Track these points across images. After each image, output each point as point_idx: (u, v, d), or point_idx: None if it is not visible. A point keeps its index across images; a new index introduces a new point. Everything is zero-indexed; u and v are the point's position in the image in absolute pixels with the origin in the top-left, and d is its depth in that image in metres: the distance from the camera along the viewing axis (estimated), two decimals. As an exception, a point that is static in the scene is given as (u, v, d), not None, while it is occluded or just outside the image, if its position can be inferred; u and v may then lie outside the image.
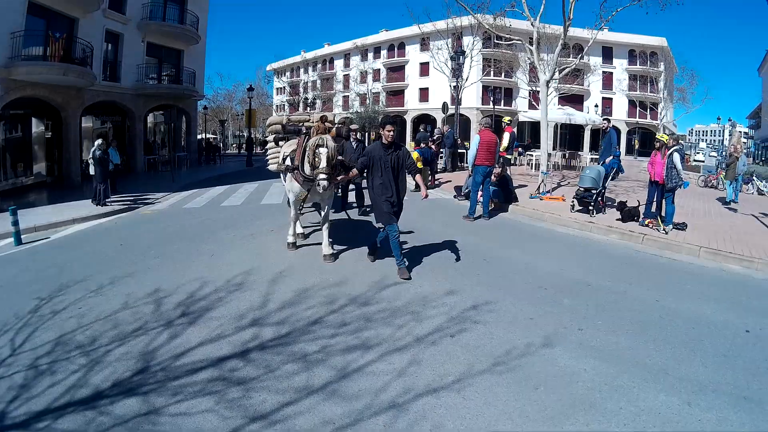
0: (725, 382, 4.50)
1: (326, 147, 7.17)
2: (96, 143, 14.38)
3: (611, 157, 12.78)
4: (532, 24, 14.87)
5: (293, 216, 8.63)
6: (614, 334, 5.41)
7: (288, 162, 8.23)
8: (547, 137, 15.04)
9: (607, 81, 55.06)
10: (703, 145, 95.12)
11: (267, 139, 12.94)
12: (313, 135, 7.71)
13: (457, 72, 22.20)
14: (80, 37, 20.79)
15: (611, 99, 55.45)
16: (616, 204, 12.14)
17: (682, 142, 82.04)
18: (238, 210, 12.74)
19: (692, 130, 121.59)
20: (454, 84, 24.25)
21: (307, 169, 7.63)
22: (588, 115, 28.08)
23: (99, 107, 24.59)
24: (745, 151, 22.79)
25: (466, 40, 34.05)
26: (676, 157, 10.29)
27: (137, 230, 10.56)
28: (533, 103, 37.83)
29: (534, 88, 36.35)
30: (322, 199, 8.12)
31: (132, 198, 14.80)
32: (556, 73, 16.83)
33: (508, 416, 3.78)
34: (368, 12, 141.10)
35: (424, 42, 45.53)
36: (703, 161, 43.23)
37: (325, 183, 7.06)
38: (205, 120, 52.38)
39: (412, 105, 59.76)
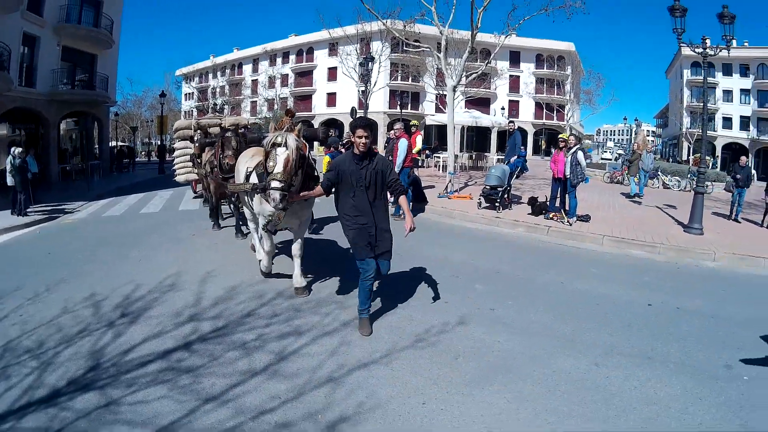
0: (630, 346, 5.17)
1: (286, 147, 5.36)
2: (16, 151, 13.76)
3: (516, 156, 13.68)
4: (440, 32, 15.67)
5: (268, 249, 6.56)
6: (525, 312, 6.02)
7: (253, 179, 6.37)
8: (453, 139, 15.94)
9: (514, 84, 57.15)
10: (610, 144, 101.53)
11: (174, 146, 12.67)
12: (272, 131, 6.02)
13: (365, 77, 22.81)
14: None
15: (518, 102, 57.65)
16: (527, 200, 12.94)
17: (588, 141, 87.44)
18: (157, 217, 12.57)
19: (600, 130, 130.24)
20: (363, 89, 24.86)
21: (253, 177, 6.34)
22: (494, 118, 29.66)
23: (13, 114, 23.20)
24: (653, 149, 24.93)
25: (375, 46, 34.89)
26: (580, 154, 11.25)
27: (63, 239, 10.25)
28: (440, 106, 39.22)
29: (441, 92, 37.76)
30: (292, 224, 6.41)
31: (50, 207, 14.11)
32: (463, 78, 17.81)
33: (433, 382, 4.25)
34: (279, 17, 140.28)
35: (332, 47, 46.14)
36: (610, 159, 45.99)
37: (277, 195, 5.18)
38: (116, 127, 50.16)
39: (319, 110, 59.60)
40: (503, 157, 18.08)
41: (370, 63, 22.35)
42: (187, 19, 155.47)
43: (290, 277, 6.54)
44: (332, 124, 55.39)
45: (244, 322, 5.50)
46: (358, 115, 26.42)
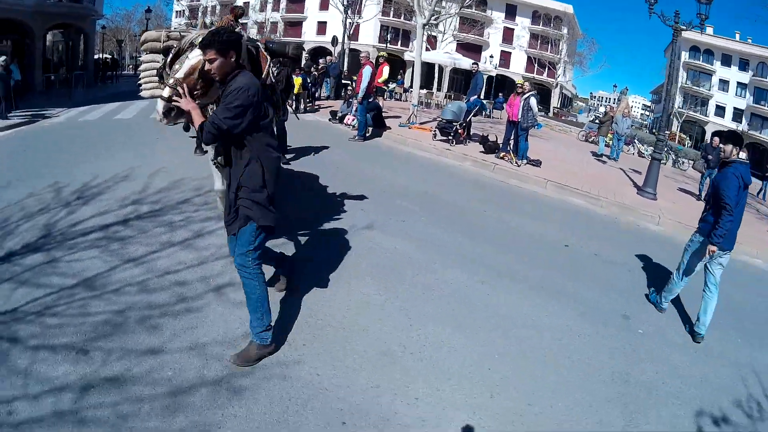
0: (530, 275, 5.53)
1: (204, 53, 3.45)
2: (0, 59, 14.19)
3: (475, 96, 14.01)
4: None
5: (218, 187, 5.42)
6: (433, 228, 6.57)
7: None
8: (419, 75, 16.41)
9: (508, 35, 56.03)
10: (602, 109, 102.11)
11: (142, 59, 12.01)
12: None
13: (348, 8, 22.98)
14: None
15: (510, 53, 56.64)
16: (480, 138, 13.45)
17: (581, 103, 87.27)
18: (129, 122, 13.06)
19: (594, 94, 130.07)
20: (349, 20, 24.87)
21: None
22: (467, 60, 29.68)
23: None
24: (631, 115, 25.40)
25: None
26: (533, 100, 11.57)
27: (38, 139, 10.76)
28: (429, 46, 39.11)
29: (430, 33, 37.54)
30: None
31: (31, 113, 14.27)
32: (433, 19, 18.05)
33: (321, 269, 4.96)
34: None
35: None
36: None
37: (160, 107, 3.77)
38: (103, 40, 49.02)
39: (309, 37, 57.79)
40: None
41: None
42: None
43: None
44: (321, 52, 54.45)
45: (178, 207, 6.28)
46: (338, 44, 26.40)
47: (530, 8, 55.82)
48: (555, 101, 57.11)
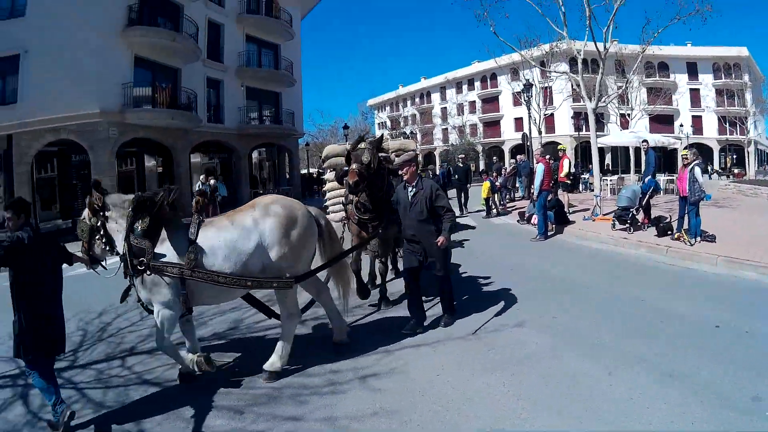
0: (662, 361, 5.24)
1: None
2: (202, 178, 17.48)
3: (649, 177, 13.62)
4: (576, 52, 16.22)
5: None
6: (581, 320, 6.65)
7: None
8: (596, 162, 16.24)
9: (695, 98, 52.19)
10: None
11: (325, 177, 11.81)
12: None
13: (529, 102, 23.83)
14: (184, 85, 24.72)
15: (700, 117, 52.60)
16: (652, 220, 12.85)
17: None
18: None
19: None
20: (536, 115, 25.54)
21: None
22: (658, 137, 28.10)
23: (206, 145, 28.11)
24: None
25: (563, 68, 34.69)
26: (698, 170, 10.97)
27: None
28: (624, 127, 37.98)
29: (625, 113, 36.70)
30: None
31: None
32: (611, 97, 17.94)
33: (457, 363, 5.57)
34: (462, 44, 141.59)
35: (514, 73, 45.51)
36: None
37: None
38: (308, 155, 55.27)
39: (508, 135, 59.86)
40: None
41: (530, 89, 23.34)
42: (374, 52, 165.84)
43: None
44: (521, 149, 55.19)
45: (352, 311, 7.30)
46: (530, 141, 27.04)
47: (708, 61, 51.87)
48: (752, 161, 50.47)
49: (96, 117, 21.22)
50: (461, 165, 16.15)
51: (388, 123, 75.90)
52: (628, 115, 37.79)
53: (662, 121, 48.10)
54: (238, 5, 30.06)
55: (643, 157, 15.96)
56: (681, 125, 49.29)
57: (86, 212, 5.20)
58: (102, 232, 5.12)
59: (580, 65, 16.27)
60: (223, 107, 29.06)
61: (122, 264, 5.04)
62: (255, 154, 33.49)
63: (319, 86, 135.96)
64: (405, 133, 63.27)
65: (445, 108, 69.42)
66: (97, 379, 5.73)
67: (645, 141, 15.69)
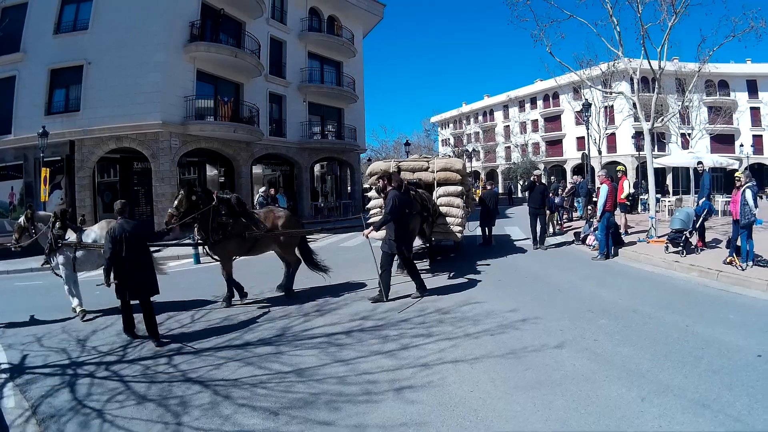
0: (696, 391, 5.06)
1: None
2: (260, 190, 18.03)
3: (704, 198, 13.30)
4: (631, 73, 16.03)
5: None
6: (622, 346, 6.48)
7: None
8: (652, 183, 15.69)
9: (756, 116, 50.19)
10: None
11: (368, 195, 13.56)
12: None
13: (588, 123, 23.59)
14: (246, 100, 25.68)
15: (761, 136, 50.59)
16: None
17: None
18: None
19: None
20: (596, 134, 25.21)
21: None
22: (716, 157, 27.11)
23: (268, 157, 28.97)
24: None
25: (624, 87, 34.12)
26: (749, 193, 10.63)
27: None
28: (685, 147, 36.96)
29: (685, 132, 35.78)
30: None
31: None
32: (668, 116, 17.57)
33: (491, 380, 5.60)
34: (524, 62, 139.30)
35: (577, 91, 44.93)
36: None
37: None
38: None
39: (570, 154, 59.58)
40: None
41: (588, 108, 23.24)
42: (437, 70, 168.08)
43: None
44: (583, 168, 54.32)
45: (397, 325, 7.70)
46: (589, 161, 26.78)
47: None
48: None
49: (158, 127, 22.36)
50: (536, 183, 15.32)
51: (452, 140, 76.26)
52: (689, 134, 36.78)
53: (723, 141, 46.60)
54: (300, 23, 31.18)
55: (700, 179, 15.49)
56: (741, 145, 47.61)
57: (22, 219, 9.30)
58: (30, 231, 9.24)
59: (635, 85, 16.04)
60: (286, 121, 30.09)
61: (48, 246, 8.92)
62: (317, 168, 34.17)
63: (383, 102, 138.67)
64: (467, 150, 63.52)
65: (508, 126, 69.19)
66: (143, 374, 6.19)
67: (700, 162, 15.27)
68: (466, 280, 10.96)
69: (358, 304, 9.05)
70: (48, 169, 20.31)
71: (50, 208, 20.55)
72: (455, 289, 10.17)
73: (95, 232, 9.18)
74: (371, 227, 9.20)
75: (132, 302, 7.38)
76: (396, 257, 9.44)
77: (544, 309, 8.39)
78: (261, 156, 28.47)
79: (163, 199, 21.94)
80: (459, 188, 12.70)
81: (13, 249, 9.33)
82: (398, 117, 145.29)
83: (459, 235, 12.63)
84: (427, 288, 9.65)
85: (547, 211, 16.44)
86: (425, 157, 14.08)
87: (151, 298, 7.36)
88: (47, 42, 22.96)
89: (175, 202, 8.69)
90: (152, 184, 22.95)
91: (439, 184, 12.85)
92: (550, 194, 18.09)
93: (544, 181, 31.46)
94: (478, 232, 16.53)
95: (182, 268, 14.48)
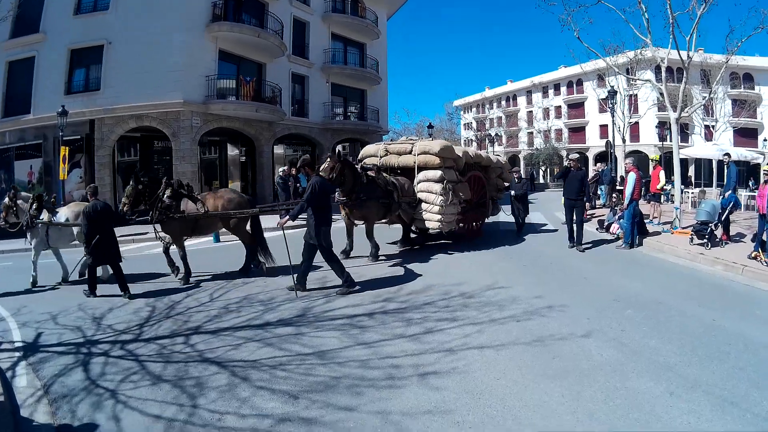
0: (723, 387, 4.89)
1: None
2: (280, 170, 18.26)
3: (730, 191, 12.96)
4: (660, 61, 15.67)
5: None
6: (649, 337, 6.30)
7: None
8: (678, 174, 15.32)
9: None
10: None
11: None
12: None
13: (613, 111, 23.20)
14: (268, 80, 25.49)
15: None
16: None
17: None
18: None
19: None
20: (620, 123, 24.81)
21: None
22: (741, 150, 26.41)
23: (289, 138, 28.92)
24: None
25: (649, 75, 33.44)
26: None
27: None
28: (708, 139, 36.33)
29: (709, 124, 35.07)
30: None
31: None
32: (695, 107, 17.10)
33: (518, 368, 5.41)
34: (547, 47, 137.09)
35: (601, 79, 43.67)
36: None
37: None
38: None
39: (592, 142, 58.41)
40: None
41: (614, 96, 22.84)
42: (460, 53, 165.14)
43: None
44: (605, 155, 53.26)
45: (421, 308, 7.57)
46: (613, 149, 26.35)
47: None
48: None
49: (179, 106, 22.37)
50: (573, 169, 13.80)
51: (474, 124, 75.62)
52: (713, 127, 36.06)
53: (746, 135, 45.17)
54: (323, 4, 30.88)
55: (726, 171, 15.11)
56: (765, 139, 46.65)
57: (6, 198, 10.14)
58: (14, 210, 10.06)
59: (663, 73, 15.67)
60: (308, 102, 29.93)
61: (26, 224, 9.79)
62: (339, 148, 34.18)
63: (406, 85, 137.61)
64: (489, 134, 62.62)
65: (531, 112, 68.39)
66: (159, 353, 6.07)
67: (727, 154, 14.89)
68: (490, 265, 10.85)
69: (375, 284, 8.99)
70: (67, 148, 20.40)
71: (69, 187, 20.85)
72: (479, 273, 10.01)
73: (65, 213, 10.15)
74: (287, 216, 8.69)
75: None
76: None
77: (569, 296, 8.20)
78: (283, 136, 28.43)
79: (183, 178, 21.69)
80: (438, 173, 12.01)
81: None
82: (421, 100, 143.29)
83: (437, 224, 12.04)
84: (356, 282, 9.05)
85: (587, 203, 14.67)
86: (411, 140, 13.52)
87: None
88: (67, 22, 22.99)
89: (126, 192, 9.75)
90: (173, 163, 22.97)
91: (420, 169, 12.40)
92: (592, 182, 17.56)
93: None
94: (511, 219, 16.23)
95: (201, 246, 14.40)
